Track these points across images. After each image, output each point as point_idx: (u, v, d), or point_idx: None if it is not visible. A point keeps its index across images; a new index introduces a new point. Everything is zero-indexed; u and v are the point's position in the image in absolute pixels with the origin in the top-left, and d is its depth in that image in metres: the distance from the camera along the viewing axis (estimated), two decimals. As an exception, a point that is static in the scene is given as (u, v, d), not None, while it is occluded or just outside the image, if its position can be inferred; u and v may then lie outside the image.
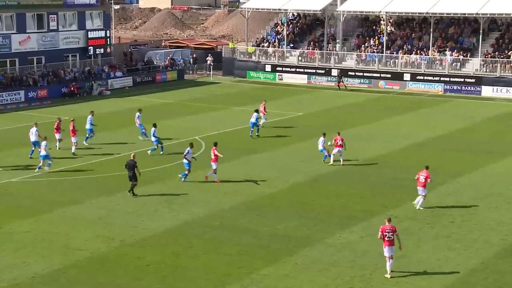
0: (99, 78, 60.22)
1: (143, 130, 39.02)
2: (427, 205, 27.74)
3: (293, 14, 73.01)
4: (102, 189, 30.04)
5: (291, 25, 71.94)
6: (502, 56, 58.94)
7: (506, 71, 58.10)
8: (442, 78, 60.09)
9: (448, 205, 27.87)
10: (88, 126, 37.93)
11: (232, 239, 24.34)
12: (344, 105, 53.08)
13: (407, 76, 61.70)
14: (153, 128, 36.21)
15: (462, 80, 59.23)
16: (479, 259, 22.31)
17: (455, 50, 61.25)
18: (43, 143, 32.64)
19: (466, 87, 58.83)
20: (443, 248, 23.22)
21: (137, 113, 39.46)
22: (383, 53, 64.20)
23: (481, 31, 59.89)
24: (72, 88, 56.79)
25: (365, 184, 31.18)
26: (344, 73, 63.17)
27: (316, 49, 67.35)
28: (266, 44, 70.58)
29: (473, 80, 58.72)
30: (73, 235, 24.58)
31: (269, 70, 67.89)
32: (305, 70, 66.25)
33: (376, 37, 66.78)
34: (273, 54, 68.81)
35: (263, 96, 57.23)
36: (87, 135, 38.09)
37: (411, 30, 66.28)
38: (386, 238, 21.15)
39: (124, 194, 29.18)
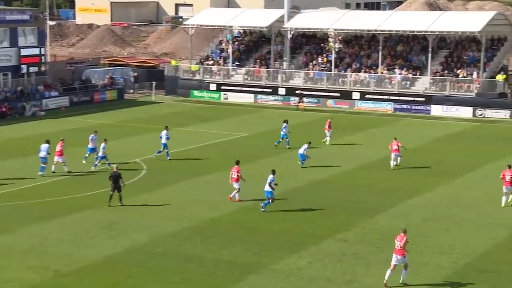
0: (33, 98, 59.24)
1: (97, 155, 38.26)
2: (377, 228, 28.09)
3: (238, 31, 73.46)
4: (36, 216, 29.45)
5: (236, 42, 72.33)
6: (451, 75, 60.43)
7: (455, 90, 59.55)
8: (391, 97, 61.19)
9: (398, 228, 28.20)
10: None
11: (175, 266, 24.13)
12: (292, 125, 53.29)
13: (356, 95, 62.64)
14: (103, 144, 37.26)
15: (412, 99, 60.44)
16: (429, 284, 22.63)
17: (404, 68, 62.55)
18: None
19: (416, 106, 60.04)
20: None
21: (92, 135, 39.21)
22: (331, 71, 65.09)
23: (430, 49, 61.34)
24: (3, 109, 55.70)
25: (315, 207, 31.36)
26: (290, 91, 63.72)
27: (263, 67, 67.84)
28: (210, 62, 70.74)
29: (422, 99, 59.98)
30: (4, 266, 23.97)
31: (214, 89, 67.99)
32: (251, 89, 66.59)
33: (324, 55, 67.69)
34: (218, 72, 69.00)
35: (207, 116, 57.33)
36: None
37: (360, 48, 67.44)
38: (396, 247, 22.63)
39: (59, 220, 28.67)
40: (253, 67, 68.56)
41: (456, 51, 63.30)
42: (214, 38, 78.66)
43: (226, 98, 67.18)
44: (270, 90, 65.88)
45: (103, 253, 25.27)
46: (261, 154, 42.47)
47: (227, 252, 25.52)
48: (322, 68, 66.11)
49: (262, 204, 30.69)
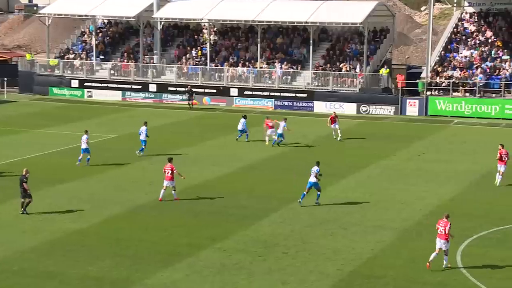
0: None
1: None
2: (259, 235, 28.49)
3: (102, 21, 72.35)
4: None
5: (100, 33, 71.21)
6: (334, 69, 62.16)
7: (339, 85, 61.31)
8: (272, 93, 62.20)
9: (281, 234, 28.77)
10: None
11: (34, 286, 23.48)
12: (164, 125, 53.29)
13: (234, 91, 63.19)
14: None
15: (293, 95, 61.68)
16: (316, 292, 23.21)
17: (285, 62, 63.72)
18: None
19: (298, 103, 61.33)
20: (276, 283, 23.88)
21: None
22: (206, 65, 65.34)
23: (311, 42, 62.80)
24: None
25: (191, 215, 31.41)
26: (162, 87, 63.48)
27: (131, 62, 67.16)
28: (71, 56, 69.29)
29: (305, 95, 61.34)
30: None
31: (76, 85, 66.72)
32: (119, 86, 65.82)
33: (199, 48, 67.88)
34: (80, 67, 67.68)
35: (69, 116, 56.13)
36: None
37: (237, 40, 68.11)
38: (438, 232, 24.70)
39: None
40: (120, 61, 67.75)
41: (338, 43, 65.16)
42: (75, 29, 77.12)
43: (91, 96, 66.08)
44: (140, 87, 65.38)
45: (-50, 274, 24.20)
46: (130, 157, 42.04)
47: (94, 267, 25.09)
48: (197, 62, 66.29)
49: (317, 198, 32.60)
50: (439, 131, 52.03)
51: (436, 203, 33.21)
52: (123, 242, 27.73)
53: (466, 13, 66.64)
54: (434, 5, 67.75)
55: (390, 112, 58.80)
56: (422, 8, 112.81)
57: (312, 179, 32.56)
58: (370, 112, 59.23)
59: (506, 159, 36.47)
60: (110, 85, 66.04)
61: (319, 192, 32.66)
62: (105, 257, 26.08)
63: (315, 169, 32.64)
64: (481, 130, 53.03)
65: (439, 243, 24.85)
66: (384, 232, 29.07)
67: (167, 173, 33.21)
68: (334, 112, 50.21)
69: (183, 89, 63.49)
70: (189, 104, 60.86)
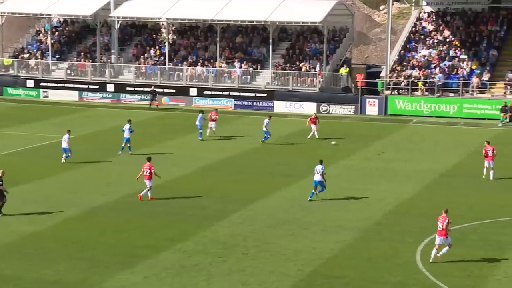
0: None
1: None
2: (218, 236, 28.40)
3: (58, 20, 71.59)
4: None
5: (56, 32, 70.45)
6: (293, 68, 62.30)
7: (298, 85, 61.48)
8: (231, 93, 62.13)
9: (241, 235, 28.72)
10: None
11: (-12, 291, 23.11)
12: (122, 125, 52.78)
13: (193, 91, 62.98)
14: None
15: (253, 94, 61.69)
16: (276, 293, 23.21)
17: (244, 62, 63.69)
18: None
19: (258, 102, 61.34)
20: (236, 284, 23.83)
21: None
22: (165, 65, 65.04)
23: (270, 41, 62.87)
24: None
25: (149, 216, 31.21)
26: (120, 87, 63.01)
27: (88, 61, 66.54)
28: (26, 55, 68.40)
29: (265, 95, 61.39)
30: None
31: (32, 85, 65.95)
32: (76, 86, 65.19)
33: (157, 47, 67.52)
34: (35, 67, 66.85)
35: (24, 117, 55.45)
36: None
37: (196, 39, 67.90)
38: (437, 228, 25.34)
39: None
40: (77, 60, 67.10)
41: (297, 43, 65.33)
42: (30, 27, 76.10)
43: (46, 96, 65.36)
44: (97, 87, 64.81)
45: None
46: (87, 158, 41.64)
47: (50, 271, 24.78)
48: (155, 62, 65.92)
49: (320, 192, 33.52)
50: (399, 131, 52.47)
51: (395, 203, 33.46)
52: (79, 245, 27.44)
53: (424, 12, 67.32)
54: (392, 4, 68.38)
55: (350, 111, 59.11)
56: (381, 8, 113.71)
57: (317, 177, 33.32)
58: (330, 112, 59.48)
59: (493, 154, 37.25)
60: (66, 85, 65.35)
61: (324, 188, 33.67)
62: (61, 260, 25.78)
63: (319, 167, 33.36)
64: (440, 129, 53.60)
65: (438, 239, 25.46)
66: (344, 232, 29.19)
67: (146, 172, 33.18)
68: (315, 113, 50.50)
69: (143, 89, 63.12)
70: (149, 104, 60.45)
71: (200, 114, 47.82)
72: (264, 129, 46.81)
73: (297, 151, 45.42)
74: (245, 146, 46.38)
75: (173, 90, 63.40)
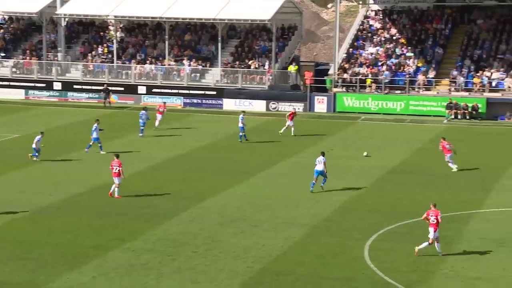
0: None
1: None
2: (168, 235, 28.31)
3: (3, 17, 70.45)
4: None
5: (1, 30, 69.33)
6: (242, 66, 62.36)
7: (248, 82, 61.56)
8: (181, 91, 61.91)
9: (191, 233, 28.66)
10: None
11: None
12: (69, 124, 52.36)
13: (142, 89, 62.59)
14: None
15: (203, 92, 61.59)
16: (226, 291, 23.23)
17: (193, 59, 63.52)
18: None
19: (207, 100, 61.25)
20: (186, 282, 23.78)
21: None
22: (113, 62, 64.49)
23: (219, 38, 62.81)
24: None
25: (97, 216, 30.94)
26: (67, 86, 62.31)
27: (34, 59, 65.64)
28: (-29, 53, 67.23)
29: (214, 93, 61.32)
30: None
31: (-24, 84, 64.74)
32: (22, 84, 64.24)
33: (105, 45, 66.93)
34: (-20, 64, 65.75)
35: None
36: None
37: (144, 37, 67.49)
38: (430, 221, 25.67)
39: None
40: (23, 58, 66.13)
41: (246, 40, 65.41)
42: (-25, 25, 74.73)
43: (-9, 95, 64.27)
44: (44, 85, 63.97)
45: None
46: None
47: (-4, 272, 24.41)
48: (103, 60, 65.32)
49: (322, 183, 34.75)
50: (347, 128, 52.92)
51: (344, 199, 33.76)
52: (26, 245, 27.08)
53: (372, 10, 68.00)
54: (340, 2, 68.87)
55: (299, 109, 59.38)
56: (329, 6, 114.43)
57: (320, 167, 34.42)
58: (279, 109, 59.70)
59: (451, 147, 38.72)
60: (12, 83, 64.36)
61: (326, 178, 34.76)
62: (7, 260, 25.41)
63: (321, 158, 34.61)
64: (387, 126, 54.20)
65: (433, 232, 25.71)
66: (294, 228, 29.34)
67: (115, 170, 33.06)
68: (294, 109, 50.93)
69: (91, 87, 62.54)
70: (104, 102, 60.01)
71: (143, 111, 47.94)
72: (241, 124, 46.42)
73: (246, 148, 45.48)
74: (194, 144, 46.28)
75: (122, 88, 62.88)
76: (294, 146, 45.65)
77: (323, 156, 34.87)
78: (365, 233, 28.66)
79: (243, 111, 48.60)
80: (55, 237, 28.20)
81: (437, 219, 25.76)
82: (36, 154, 40.23)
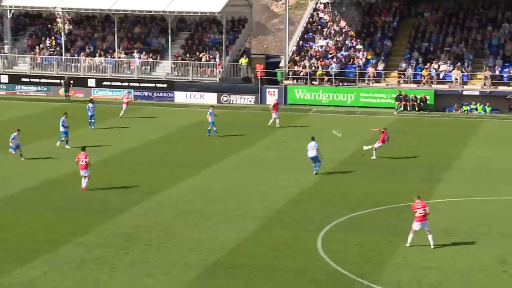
0: None
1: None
2: (120, 228, 28.14)
3: None
4: None
5: None
6: (193, 58, 62.17)
7: (199, 75, 61.42)
8: (131, 84, 61.46)
9: (144, 226, 28.55)
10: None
11: None
12: (18, 117, 51.59)
13: (91, 82, 61.98)
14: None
15: (153, 85, 61.24)
16: (180, 284, 23.20)
17: (144, 52, 63.11)
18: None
19: (158, 93, 60.93)
20: (140, 275, 23.70)
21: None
22: (62, 55, 63.70)
23: (169, 31, 62.51)
24: None
25: (48, 210, 30.62)
26: (15, 79, 61.38)
27: (-20, 51, 64.50)
28: None
29: (165, 85, 61.03)
30: None
31: None
32: (-33, 77, 63.08)
33: (53, 37, 66.06)
34: None
35: None
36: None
37: (93, 30, 66.79)
38: (417, 214, 25.78)
39: None
40: (-32, 51, 64.93)
41: (197, 33, 65.21)
42: None
43: None
44: (-10, 78, 62.92)
45: None
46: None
47: None
48: (51, 52, 64.49)
49: (316, 167, 36.26)
50: (299, 120, 53.18)
51: (296, 191, 33.95)
52: (-24, 241, 26.67)
53: (321, 3, 68.33)
54: (290, -5, 69.05)
55: (250, 101, 59.48)
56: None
57: (312, 153, 35.93)
58: (231, 102, 59.70)
59: (387, 139, 39.96)
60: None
61: (320, 163, 36.20)
62: (-43, 257, 25.01)
63: (313, 144, 35.97)
64: (338, 118, 54.58)
65: (418, 225, 25.94)
66: (247, 221, 29.44)
67: (81, 162, 32.85)
68: (277, 99, 51.29)
69: (39, 80, 61.75)
70: (66, 95, 59.35)
71: (90, 104, 48.42)
72: (210, 119, 46.07)
73: (198, 141, 45.41)
74: (145, 137, 46.03)
75: (71, 81, 62.10)
76: (245, 139, 45.73)
77: (314, 141, 36.06)
78: (317, 224, 28.90)
79: (212, 106, 48.62)
80: (5, 232, 27.83)
81: (425, 210, 25.95)
82: (14, 148, 39.40)
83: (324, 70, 60.19)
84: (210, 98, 59.54)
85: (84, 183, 33.14)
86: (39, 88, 61.60)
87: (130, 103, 54.06)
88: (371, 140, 44.49)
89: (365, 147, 40.92)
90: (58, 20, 67.65)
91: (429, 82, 58.48)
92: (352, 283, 23.31)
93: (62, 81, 60.36)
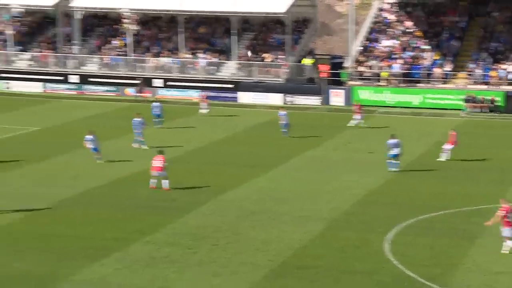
0: None
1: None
2: (188, 228, 28.36)
3: (19, 11, 70.66)
4: None
5: (18, 23, 69.52)
6: (257, 59, 62.22)
7: (263, 75, 61.44)
8: (197, 84, 61.83)
9: (211, 226, 28.71)
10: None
11: (-44, 286, 22.82)
12: (87, 117, 52.45)
13: (158, 82, 62.61)
14: None
15: (219, 85, 61.49)
16: (247, 284, 23.25)
17: (208, 52, 63.45)
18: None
19: (223, 93, 61.15)
20: (207, 275, 23.83)
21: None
22: (127, 55, 64.51)
23: (235, 32, 62.67)
24: None
25: (116, 208, 31.03)
26: (84, 78, 62.43)
27: (50, 52, 65.79)
28: (-14, 46, 67.44)
29: (230, 86, 61.23)
30: None
31: (-7, 77, 64.97)
32: (39, 77, 64.41)
33: (120, 38, 66.97)
34: (-4, 58, 65.97)
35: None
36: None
37: (159, 30, 67.48)
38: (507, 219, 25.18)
39: None
40: (39, 51, 66.26)
41: (261, 33, 65.27)
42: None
43: (9, 88, 64.42)
44: (61, 78, 64.13)
45: None
46: (52, 151, 41.25)
47: (19, 264, 24.55)
48: (118, 53, 65.39)
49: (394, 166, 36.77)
50: (364, 121, 52.69)
51: (363, 193, 33.67)
52: (48, 238, 27.23)
53: (386, 3, 67.60)
54: (355, -5, 68.54)
55: (315, 102, 59.23)
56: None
57: (396, 150, 36.64)
58: (295, 103, 59.54)
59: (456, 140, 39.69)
60: (29, 76, 64.52)
61: (398, 162, 37.09)
62: (30, 253, 25.58)
63: (396, 141, 36.83)
64: (405, 119, 53.90)
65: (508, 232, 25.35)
66: (313, 222, 29.32)
67: (158, 164, 33.38)
68: (357, 101, 52.74)
69: (107, 80, 62.70)
70: (140, 96, 60.09)
71: (156, 103, 49.53)
72: (284, 122, 46.23)
73: (264, 142, 45.42)
74: (211, 137, 46.27)
75: (138, 81, 62.84)
76: (311, 140, 45.55)
77: (396, 138, 36.78)
78: (385, 226, 28.61)
79: (282, 107, 48.83)
80: (75, 230, 28.30)
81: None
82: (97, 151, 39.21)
83: (389, 71, 59.53)
84: (275, 98, 59.45)
85: (165, 184, 33.38)
86: (107, 88, 62.52)
87: (196, 104, 54.48)
88: (440, 142, 43.86)
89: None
90: (125, 21, 68.50)
91: (498, 83, 57.28)
92: (421, 287, 22.99)
93: (139, 82, 60.80)
